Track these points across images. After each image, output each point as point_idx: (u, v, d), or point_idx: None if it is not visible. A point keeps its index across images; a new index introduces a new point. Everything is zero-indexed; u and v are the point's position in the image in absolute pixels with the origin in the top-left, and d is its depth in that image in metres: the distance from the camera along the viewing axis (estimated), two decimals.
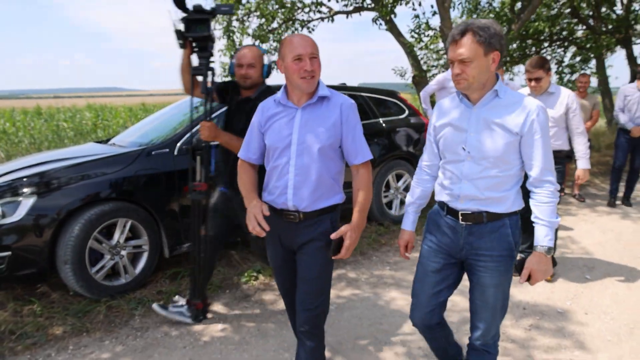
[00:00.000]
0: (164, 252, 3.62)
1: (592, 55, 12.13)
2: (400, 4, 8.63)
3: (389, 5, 8.39)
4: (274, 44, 10.25)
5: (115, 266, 3.38)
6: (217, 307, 3.30)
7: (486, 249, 1.90)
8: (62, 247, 3.10)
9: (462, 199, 1.92)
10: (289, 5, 9.53)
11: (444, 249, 2.00)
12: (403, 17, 9.44)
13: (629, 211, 5.72)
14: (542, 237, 1.83)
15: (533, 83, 3.47)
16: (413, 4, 8.74)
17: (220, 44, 10.32)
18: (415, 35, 9.00)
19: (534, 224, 1.86)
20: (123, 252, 3.39)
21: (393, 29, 9.09)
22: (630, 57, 12.94)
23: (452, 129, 1.94)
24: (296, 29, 10.35)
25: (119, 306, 3.24)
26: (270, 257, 2.22)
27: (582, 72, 12.61)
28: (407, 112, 5.24)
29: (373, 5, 9.02)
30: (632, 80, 12.59)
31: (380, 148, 4.80)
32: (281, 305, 3.26)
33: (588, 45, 11.76)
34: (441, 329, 2.13)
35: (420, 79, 9.18)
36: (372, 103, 4.97)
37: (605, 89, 12.85)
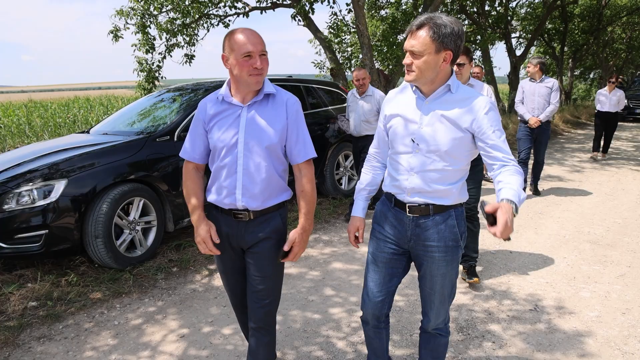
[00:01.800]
0: (167, 227, 4.17)
1: (478, 48, 14.14)
2: (316, 1, 9.37)
3: (307, 4, 9.15)
4: (187, 38, 10.51)
5: (132, 240, 3.88)
6: None
7: (433, 240, 1.92)
8: (92, 224, 3.56)
9: (409, 191, 1.92)
10: (205, 0, 9.81)
11: (392, 240, 2.00)
12: (320, 13, 10.27)
13: (539, 200, 5.95)
14: (510, 194, 1.67)
15: (456, 68, 3.36)
16: (329, 1, 9.60)
17: (134, 38, 10.40)
18: (333, 32, 9.90)
19: (498, 189, 1.79)
20: (138, 227, 3.90)
21: (311, 25, 9.77)
22: (510, 50, 15.31)
23: (402, 120, 1.91)
24: (212, 25, 10.75)
25: (142, 273, 3.78)
26: (218, 260, 2.13)
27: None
28: None
29: (290, 2, 9.66)
30: (513, 70, 14.95)
31: (331, 132, 5.70)
32: None
33: (476, 39, 13.69)
34: (386, 327, 2.18)
35: (337, 71, 10.14)
36: (321, 93, 5.83)
37: (491, 79, 15.05)
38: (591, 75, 28.07)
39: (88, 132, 4.86)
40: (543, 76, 5.84)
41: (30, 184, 3.45)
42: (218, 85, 5.09)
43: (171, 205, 4.10)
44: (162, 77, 11.33)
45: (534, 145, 6.01)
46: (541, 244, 4.47)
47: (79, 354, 2.77)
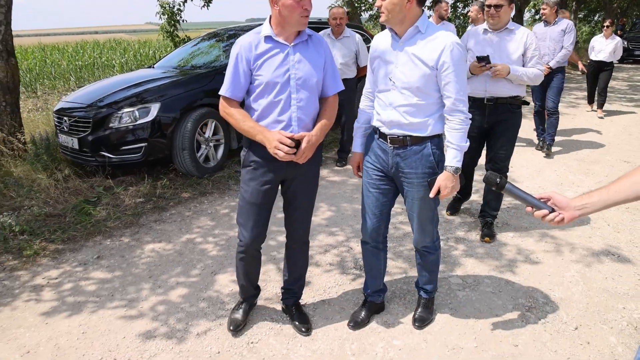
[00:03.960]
0: (231, 145, 5.05)
1: None
2: None
3: None
4: None
5: (207, 154, 4.78)
6: None
7: (410, 167, 2.12)
8: (180, 138, 4.44)
9: (389, 124, 2.12)
10: None
11: (378, 167, 2.22)
12: None
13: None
14: (451, 158, 2.05)
15: (492, 10, 3.10)
16: None
17: None
18: None
19: (446, 147, 2.10)
20: (211, 144, 4.78)
21: None
22: None
23: (380, 61, 2.12)
24: None
25: (217, 180, 4.71)
26: (254, 186, 2.20)
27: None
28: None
29: None
30: (518, 13, 15.24)
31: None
32: None
33: None
34: (384, 249, 2.43)
35: (353, 15, 10.66)
36: None
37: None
38: (595, 18, 28.08)
39: (153, 67, 5.64)
40: (557, 18, 5.36)
41: (131, 107, 4.30)
42: (251, 28, 5.80)
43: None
44: (183, 21, 11.85)
45: (546, 93, 5.50)
46: (536, 162, 5.39)
47: (189, 230, 3.72)
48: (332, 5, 7.60)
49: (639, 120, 7.51)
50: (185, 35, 12.01)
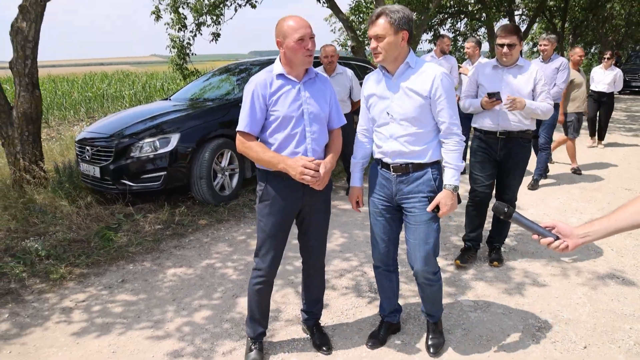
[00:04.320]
0: (246, 174, 5.24)
1: (482, 25, 15.04)
2: None
3: None
4: (214, 17, 11.36)
5: (223, 182, 4.97)
6: None
7: (414, 192, 2.27)
8: (198, 168, 4.64)
9: (391, 155, 2.28)
10: None
11: (383, 197, 2.37)
12: None
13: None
14: (449, 177, 2.23)
15: (505, 49, 3.19)
16: None
17: (167, 17, 11.22)
18: (356, 13, 10.82)
19: (444, 168, 2.28)
20: (226, 173, 4.98)
21: (333, 6, 10.70)
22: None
23: (377, 98, 2.30)
24: (239, 5, 11.58)
25: (233, 208, 4.89)
26: (273, 219, 2.30)
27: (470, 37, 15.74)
28: None
29: None
30: None
31: None
32: None
33: (482, 17, 14.59)
34: (395, 271, 2.55)
35: (358, 49, 11.06)
36: (358, 70, 6.83)
37: (494, 54, 16.04)
38: (592, 50, 28.80)
39: (169, 99, 5.91)
40: (553, 55, 5.39)
41: (152, 137, 4.52)
42: (260, 63, 6.11)
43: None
44: (192, 54, 12.25)
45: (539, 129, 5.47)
46: (540, 189, 5.56)
47: (208, 256, 3.87)
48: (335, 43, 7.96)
49: (638, 150, 7.71)
50: (194, 68, 12.43)
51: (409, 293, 3.15)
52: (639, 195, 1.37)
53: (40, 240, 4.03)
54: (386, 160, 2.31)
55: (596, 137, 8.06)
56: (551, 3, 19.12)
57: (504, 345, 2.56)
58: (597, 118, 7.85)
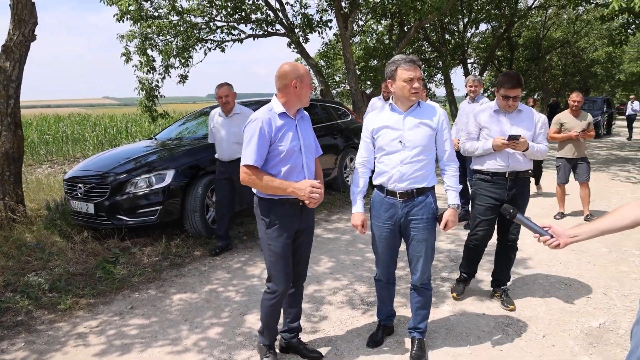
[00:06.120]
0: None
1: (439, 72, 16.40)
2: (310, 33, 11.11)
3: (302, 34, 10.86)
4: (182, 60, 11.79)
5: (214, 216, 5.32)
6: None
7: (417, 215, 2.63)
8: (192, 202, 4.99)
9: (399, 179, 2.59)
10: (204, 27, 11.14)
11: (387, 221, 2.69)
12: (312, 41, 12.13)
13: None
14: (452, 197, 2.70)
15: (510, 102, 3.25)
16: (319, 33, 11.36)
17: (135, 59, 11.48)
18: (324, 59, 11.65)
19: (446, 190, 2.73)
20: None
21: (303, 52, 11.48)
22: (467, 73, 17.89)
23: (388, 130, 2.63)
24: (209, 49, 12.09)
25: None
26: (282, 240, 2.56)
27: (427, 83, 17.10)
28: (350, 116, 7.86)
29: (284, 32, 11.32)
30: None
31: (342, 140, 7.33)
32: None
33: (438, 65, 15.96)
34: (394, 283, 2.94)
35: (326, 92, 11.83)
36: (332, 110, 7.48)
37: (452, 99, 17.49)
38: (534, 97, 31.58)
39: (153, 138, 6.30)
40: (479, 95, 5.59)
41: (147, 173, 4.86)
42: (243, 103, 6.56)
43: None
44: (161, 96, 12.54)
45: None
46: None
47: (209, 282, 4.19)
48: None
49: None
50: (163, 110, 12.67)
51: (397, 303, 3.60)
52: (626, 204, 1.58)
53: (42, 274, 4.21)
54: (392, 187, 2.62)
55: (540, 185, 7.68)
56: (499, 53, 21.16)
57: (481, 338, 3.08)
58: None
